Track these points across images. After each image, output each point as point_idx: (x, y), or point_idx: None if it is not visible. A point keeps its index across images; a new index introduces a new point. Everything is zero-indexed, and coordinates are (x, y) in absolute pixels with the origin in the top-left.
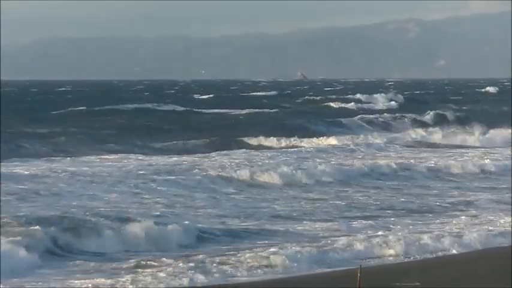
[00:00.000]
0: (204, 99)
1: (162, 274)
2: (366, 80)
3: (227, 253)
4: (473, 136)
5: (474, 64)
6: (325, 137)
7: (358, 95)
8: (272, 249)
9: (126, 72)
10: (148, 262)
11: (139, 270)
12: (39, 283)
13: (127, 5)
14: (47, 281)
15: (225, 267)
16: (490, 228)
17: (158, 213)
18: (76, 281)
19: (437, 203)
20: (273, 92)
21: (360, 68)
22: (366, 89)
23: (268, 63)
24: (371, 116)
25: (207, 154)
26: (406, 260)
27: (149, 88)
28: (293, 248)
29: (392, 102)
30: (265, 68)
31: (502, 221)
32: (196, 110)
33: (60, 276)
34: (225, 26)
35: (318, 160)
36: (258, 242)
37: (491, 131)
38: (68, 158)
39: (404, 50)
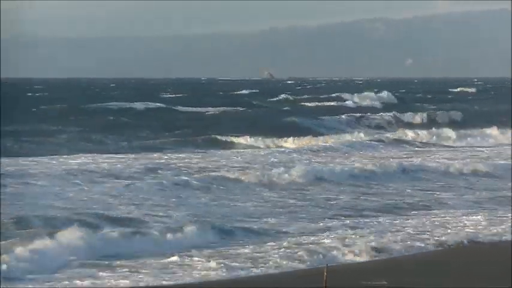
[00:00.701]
0: (175, 97)
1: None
2: (335, 79)
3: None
4: (467, 135)
5: (441, 63)
6: (309, 137)
7: (336, 94)
8: (235, 248)
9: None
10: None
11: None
12: None
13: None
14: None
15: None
16: (449, 228)
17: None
18: None
19: (406, 202)
20: (245, 91)
21: (327, 67)
22: (343, 88)
23: (235, 62)
24: (356, 114)
25: (171, 154)
26: (373, 259)
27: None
28: (256, 247)
29: (375, 102)
30: (231, 67)
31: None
32: (172, 107)
33: None
34: (194, 26)
35: (294, 160)
36: (218, 241)
37: (488, 131)
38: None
39: (372, 49)
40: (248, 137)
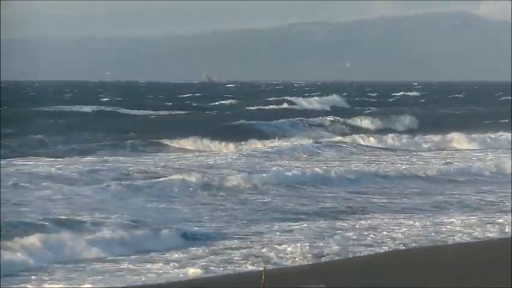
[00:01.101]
0: (114, 100)
1: None
2: (274, 82)
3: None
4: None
5: (378, 67)
6: (253, 140)
7: (283, 97)
8: (170, 252)
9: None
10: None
11: None
12: None
13: None
14: None
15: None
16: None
17: None
18: None
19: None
20: (187, 94)
21: (266, 70)
22: (286, 91)
23: (174, 65)
24: (309, 118)
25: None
26: (311, 263)
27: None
28: (193, 251)
29: (324, 106)
30: (170, 69)
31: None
32: (115, 110)
33: None
34: (130, 27)
35: (236, 164)
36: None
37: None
38: None
39: (310, 52)
40: (191, 140)
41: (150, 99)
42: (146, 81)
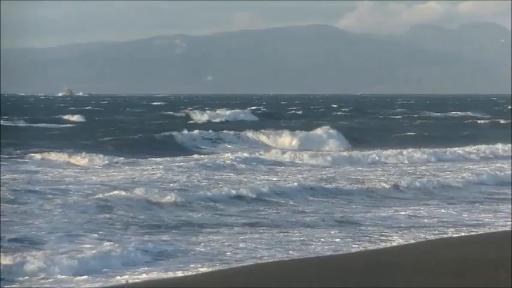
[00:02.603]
0: None
1: None
2: (135, 95)
3: None
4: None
5: (239, 80)
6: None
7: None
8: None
9: None
10: None
11: None
12: None
13: None
14: None
15: None
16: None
17: None
18: None
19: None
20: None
21: (127, 84)
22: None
23: (32, 78)
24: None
25: None
26: (173, 275)
27: None
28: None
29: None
30: (28, 83)
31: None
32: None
33: None
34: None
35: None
36: None
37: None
38: None
39: (172, 65)
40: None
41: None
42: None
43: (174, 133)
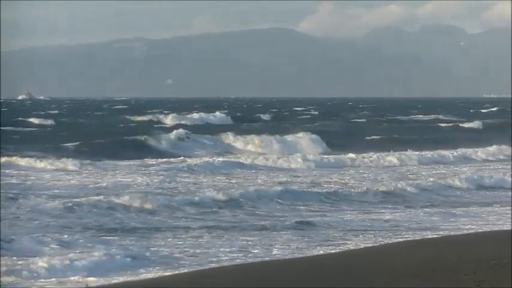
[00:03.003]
0: None
1: None
2: (96, 98)
3: None
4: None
5: (200, 83)
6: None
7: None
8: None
9: None
10: None
11: None
12: None
13: None
14: None
15: None
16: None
17: None
18: None
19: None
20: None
21: (87, 87)
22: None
23: None
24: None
25: None
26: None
27: None
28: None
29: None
30: None
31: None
32: None
33: None
34: None
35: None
36: None
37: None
38: None
39: (131, 69)
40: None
41: None
42: None
43: (143, 137)
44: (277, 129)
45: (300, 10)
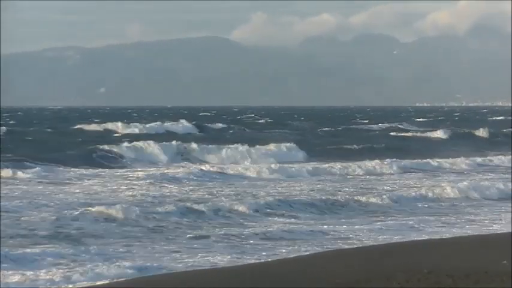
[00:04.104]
0: None
1: None
2: (30, 107)
3: None
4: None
5: (132, 92)
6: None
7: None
8: None
9: None
10: None
11: None
12: None
13: None
14: None
15: None
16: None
17: None
18: None
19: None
20: None
21: (18, 96)
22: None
23: None
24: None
25: None
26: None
27: None
28: None
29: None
30: None
31: None
32: None
33: None
34: None
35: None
36: None
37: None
38: None
39: (64, 77)
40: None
41: None
42: None
43: (108, 146)
44: (246, 138)
45: (234, 20)
